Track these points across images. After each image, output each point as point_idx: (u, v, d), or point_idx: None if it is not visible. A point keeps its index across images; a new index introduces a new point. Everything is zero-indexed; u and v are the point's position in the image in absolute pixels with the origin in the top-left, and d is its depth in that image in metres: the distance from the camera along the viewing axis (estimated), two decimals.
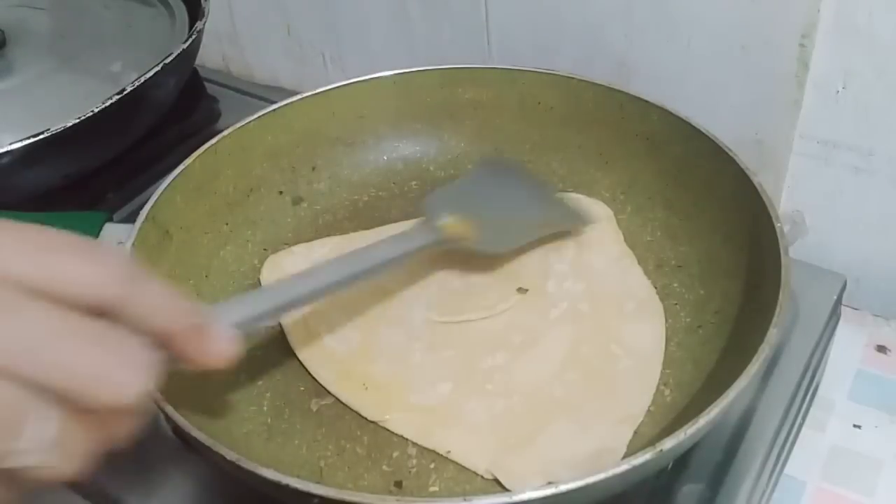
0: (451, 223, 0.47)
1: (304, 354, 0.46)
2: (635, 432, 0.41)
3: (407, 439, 0.42)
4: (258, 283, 0.51)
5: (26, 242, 0.25)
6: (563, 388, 0.43)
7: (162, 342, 0.28)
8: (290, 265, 0.51)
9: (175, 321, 0.29)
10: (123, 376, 0.25)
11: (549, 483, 0.32)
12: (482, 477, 0.40)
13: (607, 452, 0.40)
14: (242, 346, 0.32)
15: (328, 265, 0.41)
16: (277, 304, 0.38)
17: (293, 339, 0.47)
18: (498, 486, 0.40)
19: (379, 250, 0.43)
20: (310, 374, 0.45)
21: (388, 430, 0.42)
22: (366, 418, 0.43)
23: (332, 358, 0.46)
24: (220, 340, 0.30)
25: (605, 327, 0.46)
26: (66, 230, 0.44)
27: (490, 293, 0.48)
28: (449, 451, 0.41)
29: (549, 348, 0.45)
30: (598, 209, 0.53)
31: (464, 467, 0.41)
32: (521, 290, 0.48)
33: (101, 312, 0.26)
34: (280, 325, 0.48)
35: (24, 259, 0.25)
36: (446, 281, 0.49)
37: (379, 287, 0.49)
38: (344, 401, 0.44)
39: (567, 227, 0.51)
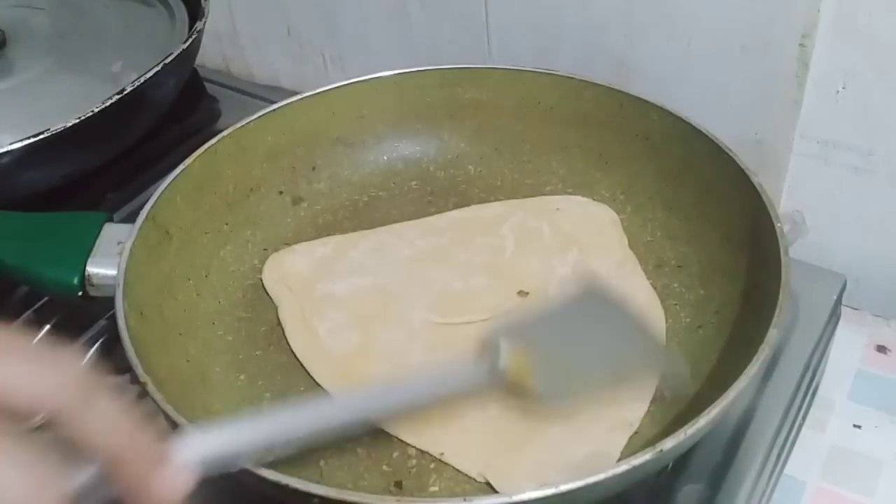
0: (513, 365, 0.35)
1: (302, 354, 0.46)
2: (636, 432, 0.41)
3: (406, 440, 0.42)
4: (258, 284, 0.51)
5: None
6: None
7: (110, 465, 0.25)
8: (291, 264, 0.51)
9: (127, 445, 0.25)
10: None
11: (550, 483, 0.32)
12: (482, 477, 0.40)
13: (600, 457, 0.40)
14: (196, 484, 0.27)
15: (338, 401, 0.35)
16: (261, 440, 0.30)
17: (292, 339, 0.47)
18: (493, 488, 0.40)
19: (417, 383, 0.35)
20: (307, 374, 0.45)
21: (386, 431, 0.42)
22: None
23: (330, 358, 0.46)
24: (173, 477, 0.26)
25: None
26: (67, 227, 0.44)
27: (491, 296, 0.48)
28: (442, 454, 0.41)
29: None
30: (602, 213, 0.53)
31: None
32: (521, 293, 0.48)
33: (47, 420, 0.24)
34: (280, 324, 0.48)
35: None
36: (447, 282, 0.49)
37: (379, 287, 0.49)
38: None
39: (639, 383, 0.42)
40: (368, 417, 0.35)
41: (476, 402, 0.42)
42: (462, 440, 0.41)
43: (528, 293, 0.48)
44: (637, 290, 0.48)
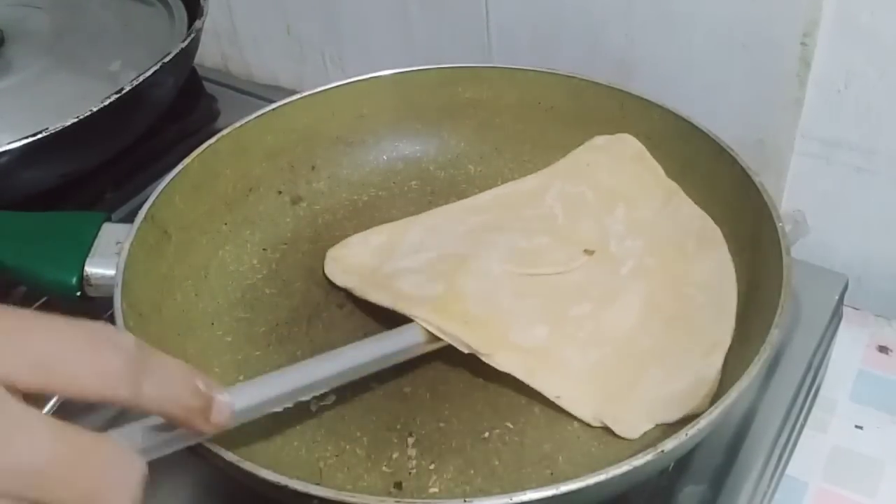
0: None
1: (392, 302, 0.45)
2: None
3: (406, 441, 0.42)
4: (257, 284, 0.51)
5: (26, 350, 0.24)
6: (649, 337, 0.44)
7: (167, 421, 0.29)
8: (351, 257, 0.51)
9: (179, 407, 0.29)
10: (115, 498, 0.25)
11: (550, 484, 0.32)
12: (481, 478, 0.40)
13: (701, 384, 0.41)
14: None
15: (354, 347, 0.40)
16: (291, 390, 0.37)
17: (375, 296, 0.46)
18: (498, 486, 0.40)
19: (407, 334, 0.42)
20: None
21: (388, 430, 0.42)
22: (475, 352, 0.42)
23: (422, 300, 0.44)
24: (219, 415, 0.31)
25: (674, 274, 0.47)
26: (65, 227, 0.44)
27: (559, 253, 0.49)
28: (558, 397, 0.42)
29: (628, 302, 0.46)
30: (627, 149, 0.53)
31: (462, 468, 0.41)
32: (587, 252, 0.49)
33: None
34: (279, 325, 0.48)
35: (25, 370, 0.24)
36: (514, 242, 0.49)
37: (448, 255, 0.49)
38: (450, 332, 0.42)
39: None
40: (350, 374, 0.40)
41: (577, 347, 0.44)
42: (572, 385, 0.42)
43: (593, 251, 0.49)
44: (687, 221, 0.49)
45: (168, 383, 0.28)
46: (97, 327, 0.26)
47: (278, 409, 0.37)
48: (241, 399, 0.34)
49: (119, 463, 0.26)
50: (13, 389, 0.24)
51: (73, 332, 0.26)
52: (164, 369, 0.28)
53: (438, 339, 0.42)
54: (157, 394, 0.27)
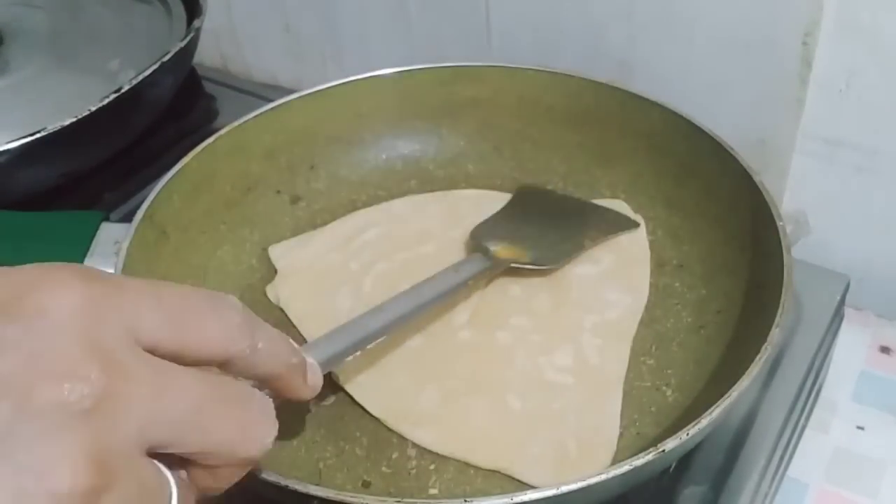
0: (501, 249, 0.48)
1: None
2: (637, 433, 0.41)
3: (406, 441, 0.42)
4: (256, 284, 0.50)
5: (161, 307, 0.25)
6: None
7: (266, 383, 0.29)
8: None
9: (284, 365, 0.30)
10: (261, 432, 0.27)
11: (550, 485, 0.32)
12: (481, 478, 0.40)
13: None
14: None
15: (395, 300, 0.41)
16: (356, 340, 0.38)
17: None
18: (498, 486, 0.40)
19: (439, 281, 0.44)
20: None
21: (388, 430, 0.42)
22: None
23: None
24: (314, 377, 0.32)
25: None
26: (63, 227, 0.44)
27: None
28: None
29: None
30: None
31: (463, 468, 0.40)
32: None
33: (222, 364, 0.27)
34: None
35: (162, 325, 0.25)
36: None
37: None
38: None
39: (615, 234, 0.51)
40: (412, 314, 0.42)
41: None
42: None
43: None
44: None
45: (275, 340, 0.29)
46: (211, 292, 0.27)
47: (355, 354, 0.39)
48: (320, 355, 0.35)
49: (262, 413, 0.27)
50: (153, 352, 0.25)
51: (195, 292, 0.27)
52: (268, 329, 0.29)
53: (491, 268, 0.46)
54: (268, 349, 0.28)
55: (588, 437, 0.41)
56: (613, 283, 0.48)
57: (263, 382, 0.29)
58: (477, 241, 0.49)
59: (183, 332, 0.25)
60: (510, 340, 0.45)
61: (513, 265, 0.47)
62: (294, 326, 0.48)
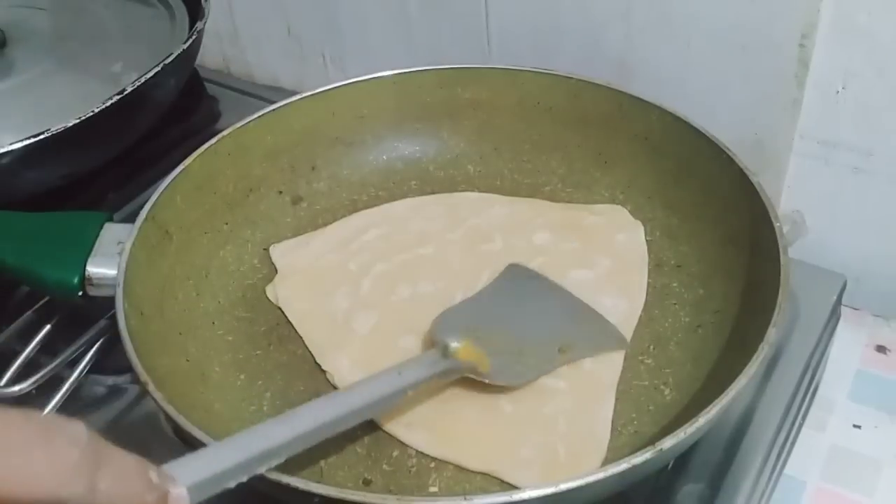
0: (463, 348, 0.41)
1: None
2: (635, 431, 0.42)
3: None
4: (258, 283, 0.51)
5: None
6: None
7: None
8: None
9: (138, 500, 0.26)
10: None
11: (550, 482, 0.32)
12: (481, 477, 0.40)
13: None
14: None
15: (309, 408, 0.35)
16: (251, 457, 0.31)
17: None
18: (497, 485, 0.40)
19: (374, 386, 0.38)
20: (307, 373, 0.45)
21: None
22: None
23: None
24: None
25: None
26: (67, 227, 0.44)
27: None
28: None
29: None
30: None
31: (463, 467, 0.41)
32: None
33: None
34: (279, 325, 0.48)
35: None
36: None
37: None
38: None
39: (595, 354, 0.45)
40: (342, 420, 0.36)
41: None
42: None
43: None
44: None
45: (124, 476, 0.25)
46: (48, 417, 0.24)
47: (238, 481, 0.31)
48: (190, 478, 0.28)
49: None
50: None
51: (23, 421, 0.23)
52: (119, 461, 0.25)
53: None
54: (113, 489, 0.24)
55: (578, 443, 0.41)
56: (610, 288, 0.48)
57: None
58: (439, 331, 0.43)
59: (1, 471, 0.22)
60: None
61: (467, 375, 0.42)
62: (293, 326, 0.48)
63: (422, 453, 0.41)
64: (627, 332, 0.46)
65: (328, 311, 0.48)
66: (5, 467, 0.22)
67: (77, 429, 0.24)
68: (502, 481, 0.40)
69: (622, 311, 0.47)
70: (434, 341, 0.42)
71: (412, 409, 0.43)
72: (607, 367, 0.44)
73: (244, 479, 0.31)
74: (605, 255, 0.50)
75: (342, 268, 0.51)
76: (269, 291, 0.50)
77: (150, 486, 0.26)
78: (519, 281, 0.48)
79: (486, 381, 0.42)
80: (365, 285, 0.49)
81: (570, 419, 0.42)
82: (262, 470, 0.32)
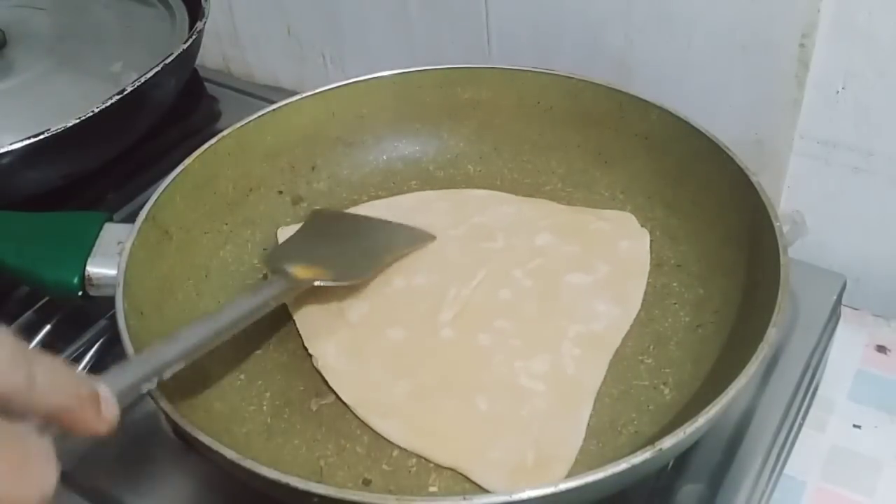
0: (299, 269, 0.46)
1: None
2: (635, 431, 0.42)
3: None
4: (258, 283, 0.51)
5: None
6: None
7: (54, 418, 0.27)
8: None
9: (70, 397, 0.27)
10: (39, 475, 0.24)
11: (549, 482, 0.32)
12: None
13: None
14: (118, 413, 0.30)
15: (193, 326, 0.40)
16: (152, 369, 0.36)
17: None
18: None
19: (237, 304, 0.42)
20: (307, 373, 0.46)
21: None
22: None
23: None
24: (108, 409, 0.29)
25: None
26: (67, 227, 0.44)
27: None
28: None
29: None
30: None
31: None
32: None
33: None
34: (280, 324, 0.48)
35: None
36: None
37: None
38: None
39: (413, 247, 0.51)
40: (220, 334, 0.40)
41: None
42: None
43: None
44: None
45: (57, 371, 0.27)
46: None
47: (152, 384, 0.36)
48: (116, 385, 0.32)
49: (40, 456, 0.25)
50: None
51: None
52: (49, 360, 0.26)
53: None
54: (49, 381, 0.26)
55: (547, 449, 0.40)
56: (605, 294, 0.48)
57: (51, 418, 0.27)
58: (274, 264, 0.48)
59: None
60: (490, 342, 0.45)
61: (316, 283, 0.46)
62: (293, 325, 0.48)
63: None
64: (616, 339, 0.46)
65: (323, 298, 0.48)
66: None
67: (3, 332, 0.25)
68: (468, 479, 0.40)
69: (614, 318, 0.47)
70: (273, 272, 0.47)
71: (389, 400, 0.43)
72: (589, 374, 0.44)
73: (149, 387, 0.35)
74: (605, 261, 0.50)
75: None
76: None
77: (83, 383, 0.28)
78: (327, 221, 0.53)
79: (333, 284, 0.47)
80: None
81: (545, 423, 0.41)
82: (157, 379, 0.36)
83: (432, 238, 0.51)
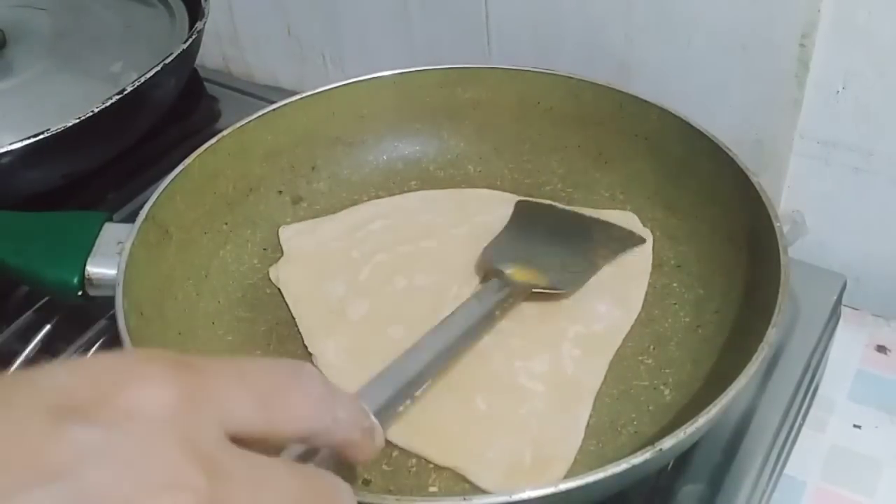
0: (517, 272, 0.46)
1: None
2: (635, 432, 0.41)
3: None
4: (258, 283, 0.51)
5: (247, 389, 0.24)
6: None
7: (339, 449, 0.28)
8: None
9: (360, 431, 0.28)
10: None
11: (549, 483, 0.32)
12: None
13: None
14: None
15: (425, 341, 0.41)
16: (403, 386, 0.38)
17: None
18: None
19: (463, 314, 0.43)
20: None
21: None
22: None
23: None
24: (378, 437, 0.30)
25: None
26: (67, 227, 0.44)
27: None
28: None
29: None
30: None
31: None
32: None
33: (304, 438, 0.26)
34: (279, 324, 0.48)
35: (251, 410, 0.24)
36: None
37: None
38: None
39: (625, 250, 0.50)
40: (449, 352, 0.41)
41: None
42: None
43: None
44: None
45: (352, 407, 0.28)
46: (291, 362, 0.26)
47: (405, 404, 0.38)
48: (373, 406, 0.34)
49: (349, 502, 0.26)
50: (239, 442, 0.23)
51: (276, 366, 0.26)
52: (344, 395, 0.28)
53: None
54: (347, 418, 0.27)
55: (545, 449, 0.40)
56: (607, 296, 0.48)
57: (336, 449, 0.28)
58: (489, 264, 0.48)
59: (270, 414, 0.24)
60: (490, 342, 0.45)
61: (533, 290, 0.46)
62: (292, 325, 0.48)
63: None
64: (617, 340, 0.46)
65: (325, 296, 0.49)
66: (273, 411, 0.24)
67: (311, 369, 0.26)
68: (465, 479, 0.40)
69: (614, 319, 0.47)
70: (488, 273, 0.47)
71: None
72: (589, 375, 0.44)
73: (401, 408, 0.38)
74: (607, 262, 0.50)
75: (345, 255, 0.51)
76: (272, 272, 0.51)
77: (366, 414, 0.29)
78: (534, 210, 0.53)
79: (552, 291, 0.46)
80: (363, 273, 0.50)
81: (544, 424, 0.41)
82: (412, 394, 0.38)
83: (642, 240, 0.50)
